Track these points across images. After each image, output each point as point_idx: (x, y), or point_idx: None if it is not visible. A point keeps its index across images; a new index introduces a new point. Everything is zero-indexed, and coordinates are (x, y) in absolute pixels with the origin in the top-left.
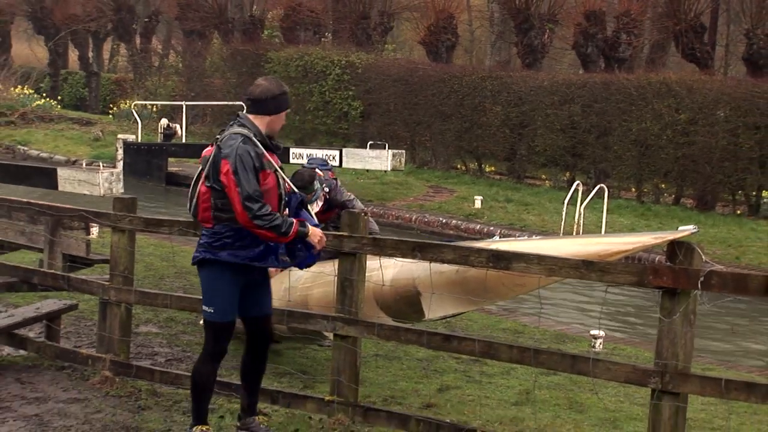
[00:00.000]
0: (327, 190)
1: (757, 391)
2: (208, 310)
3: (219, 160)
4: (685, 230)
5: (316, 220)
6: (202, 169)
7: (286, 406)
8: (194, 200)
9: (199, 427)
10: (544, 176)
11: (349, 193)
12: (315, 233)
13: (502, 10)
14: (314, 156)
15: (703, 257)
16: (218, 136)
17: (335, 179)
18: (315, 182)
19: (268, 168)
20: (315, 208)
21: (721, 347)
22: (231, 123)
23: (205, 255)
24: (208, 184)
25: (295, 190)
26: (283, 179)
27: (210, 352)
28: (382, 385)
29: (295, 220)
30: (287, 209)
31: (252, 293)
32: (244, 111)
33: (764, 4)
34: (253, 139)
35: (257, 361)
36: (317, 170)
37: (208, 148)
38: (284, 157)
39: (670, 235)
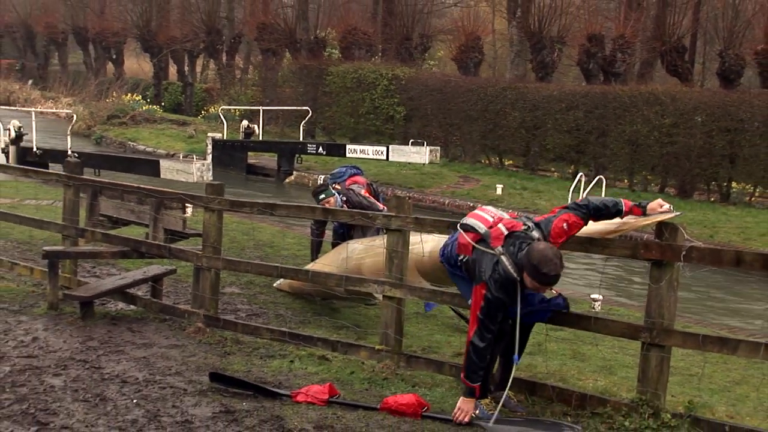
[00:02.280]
0: (344, 199)
1: (728, 344)
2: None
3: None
4: (669, 214)
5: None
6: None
7: (344, 353)
8: None
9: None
10: (553, 169)
11: (371, 198)
12: (464, 406)
13: (520, 33)
14: (358, 156)
15: (685, 235)
16: None
17: (365, 185)
18: (321, 195)
19: None
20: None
21: (697, 309)
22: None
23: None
24: None
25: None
26: None
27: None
28: (421, 338)
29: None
30: None
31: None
32: (308, 116)
33: (734, 29)
34: None
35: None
36: (335, 184)
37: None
38: (341, 152)
39: (658, 217)
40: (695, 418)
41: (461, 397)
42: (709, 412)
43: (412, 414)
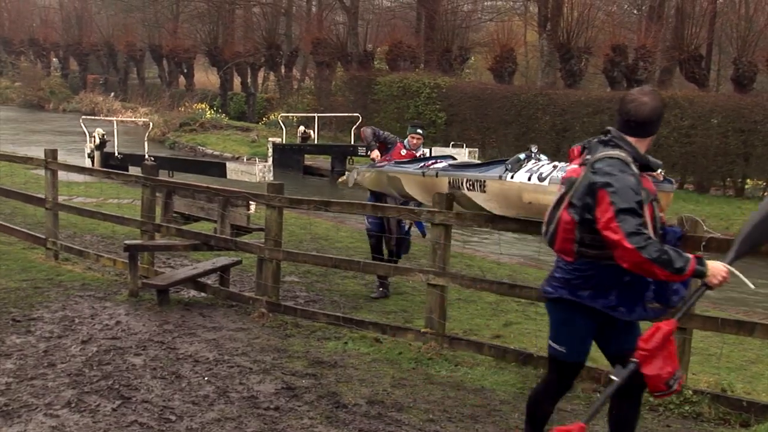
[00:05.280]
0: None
1: (745, 327)
2: (559, 349)
3: (595, 190)
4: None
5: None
6: (566, 193)
7: (393, 336)
8: (552, 226)
9: None
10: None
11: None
12: (717, 271)
13: (550, 44)
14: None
15: (704, 227)
16: (588, 156)
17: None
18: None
19: (646, 200)
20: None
21: (714, 295)
22: (600, 139)
23: (562, 293)
24: (575, 215)
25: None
26: (659, 209)
27: (554, 387)
28: (462, 321)
29: (691, 256)
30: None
31: (611, 329)
32: (359, 122)
33: (747, 39)
34: (632, 166)
35: (627, 405)
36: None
37: (573, 167)
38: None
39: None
40: (715, 395)
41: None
42: (728, 388)
43: None
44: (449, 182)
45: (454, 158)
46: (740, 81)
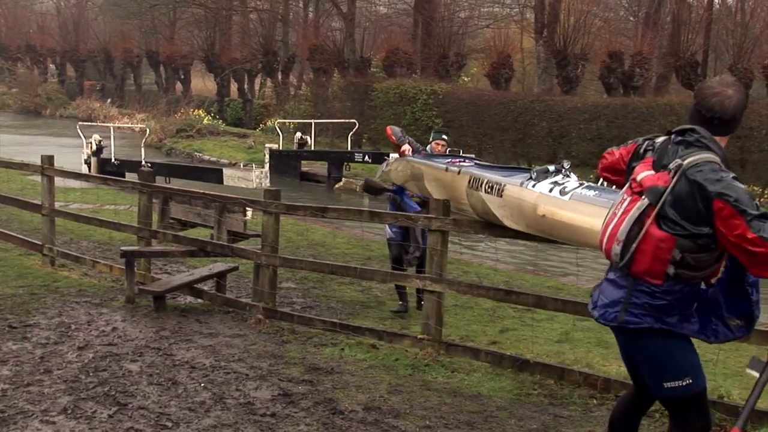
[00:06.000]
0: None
1: None
2: (684, 383)
3: (709, 203)
4: None
5: None
6: (650, 205)
7: (389, 342)
8: (634, 245)
9: None
10: (577, 174)
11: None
12: None
13: (547, 51)
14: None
15: None
16: (676, 160)
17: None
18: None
19: None
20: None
21: None
22: (680, 140)
23: (651, 322)
24: (672, 231)
25: None
26: None
27: (704, 428)
28: (459, 327)
29: None
30: None
31: None
32: (355, 128)
33: (743, 46)
34: (728, 171)
35: (634, 418)
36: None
37: (649, 173)
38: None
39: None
40: (711, 401)
41: None
42: (725, 395)
43: None
44: (469, 181)
45: (480, 161)
46: None
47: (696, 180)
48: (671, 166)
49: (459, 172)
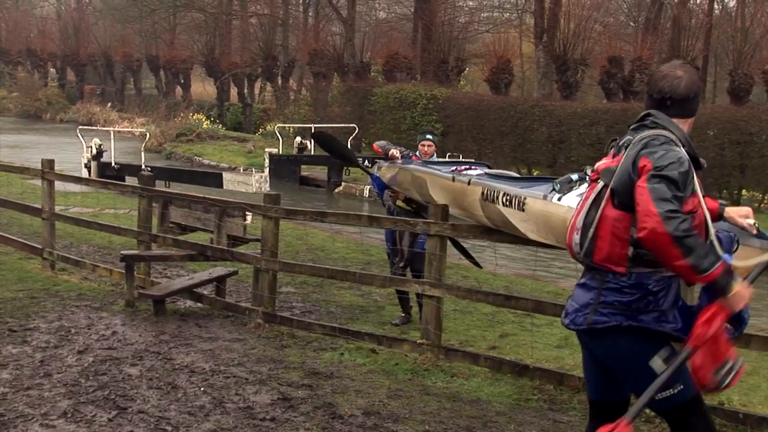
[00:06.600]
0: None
1: (741, 339)
2: (674, 392)
3: (636, 162)
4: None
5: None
6: (605, 186)
7: (389, 347)
8: (591, 231)
9: None
10: None
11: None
12: (742, 296)
13: (546, 56)
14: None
15: None
16: (629, 137)
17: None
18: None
19: (698, 190)
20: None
21: None
22: (638, 125)
23: (621, 320)
24: (619, 203)
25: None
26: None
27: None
28: (458, 332)
29: (721, 260)
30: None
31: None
32: (355, 133)
33: (743, 51)
34: (682, 148)
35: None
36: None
37: (603, 161)
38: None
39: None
40: (711, 407)
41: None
42: (725, 401)
43: None
44: (482, 193)
45: (489, 166)
46: (736, 93)
47: (637, 148)
48: (621, 143)
49: (469, 183)
